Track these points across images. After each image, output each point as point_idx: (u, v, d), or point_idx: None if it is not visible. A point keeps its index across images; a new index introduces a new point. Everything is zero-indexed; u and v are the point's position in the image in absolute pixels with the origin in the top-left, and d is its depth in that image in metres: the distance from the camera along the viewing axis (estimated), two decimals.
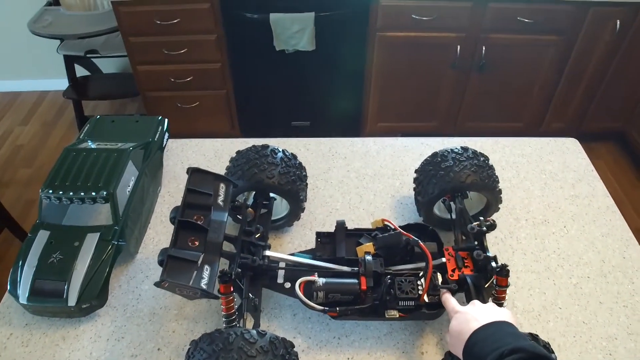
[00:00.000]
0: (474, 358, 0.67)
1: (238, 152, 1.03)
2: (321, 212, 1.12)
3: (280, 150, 1.02)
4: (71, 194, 0.98)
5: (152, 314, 0.96)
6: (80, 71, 2.84)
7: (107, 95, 2.84)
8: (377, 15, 2.19)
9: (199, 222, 0.83)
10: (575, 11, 2.18)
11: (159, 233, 1.10)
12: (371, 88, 2.44)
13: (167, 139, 1.24)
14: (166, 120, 1.23)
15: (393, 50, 2.31)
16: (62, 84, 3.01)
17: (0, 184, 2.65)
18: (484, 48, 2.26)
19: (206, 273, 0.78)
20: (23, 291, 0.92)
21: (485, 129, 2.56)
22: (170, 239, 0.82)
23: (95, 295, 0.93)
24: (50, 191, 0.99)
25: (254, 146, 1.03)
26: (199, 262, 0.79)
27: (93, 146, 1.10)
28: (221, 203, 0.88)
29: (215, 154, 1.27)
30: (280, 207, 1.08)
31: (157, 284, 0.76)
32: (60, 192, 0.99)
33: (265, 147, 1.02)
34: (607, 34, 2.26)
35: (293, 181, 1.00)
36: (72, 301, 0.91)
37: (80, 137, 1.17)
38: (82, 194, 0.98)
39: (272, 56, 2.30)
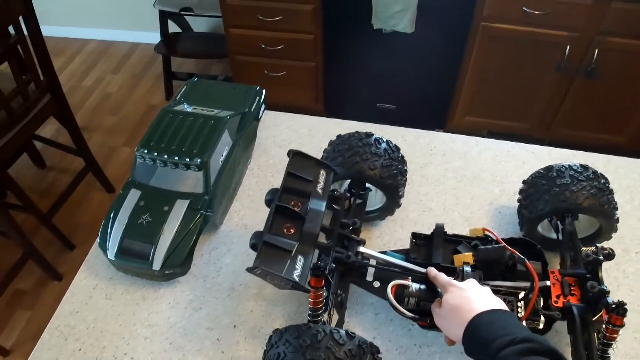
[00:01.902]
0: (478, 339, 0.64)
1: (339, 137, 0.99)
2: (414, 210, 1.07)
3: (385, 140, 0.97)
4: (165, 157, 0.97)
5: (231, 289, 0.95)
6: (172, 27, 2.87)
7: (195, 53, 2.85)
8: (485, 4, 2.07)
9: (296, 209, 0.79)
10: None
11: (244, 207, 1.08)
12: (465, 80, 2.32)
13: (263, 111, 1.21)
14: (264, 91, 1.19)
15: (496, 42, 2.17)
16: (153, 37, 3.07)
17: (88, 128, 2.74)
18: (596, 52, 2.09)
19: (299, 264, 0.75)
20: (112, 247, 0.93)
21: (579, 138, 2.40)
22: (265, 224, 0.79)
23: (179, 263, 0.92)
24: (146, 151, 0.98)
25: (357, 132, 0.98)
26: (293, 251, 0.75)
27: (190, 110, 1.09)
28: (320, 191, 0.84)
29: (310, 132, 1.23)
30: (374, 199, 1.03)
31: (249, 270, 0.73)
32: (155, 154, 0.98)
33: (369, 135, 0.97)
34: None
35: (394, 175, 0.94)
36: (156, 265, 0.91)
37: (177, 98, 1.16)
38: (177, 158, 0.97)
39: (368, 34, 2.23)
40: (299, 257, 0.75)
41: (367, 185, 0.96)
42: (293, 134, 1.23)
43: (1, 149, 1.84)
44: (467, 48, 2.23)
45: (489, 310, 0.67)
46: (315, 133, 1.23)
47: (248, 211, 1.07)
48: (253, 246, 0.78)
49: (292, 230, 0.78)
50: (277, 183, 1.12)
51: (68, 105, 2.10)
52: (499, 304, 0.69)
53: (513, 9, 2.06)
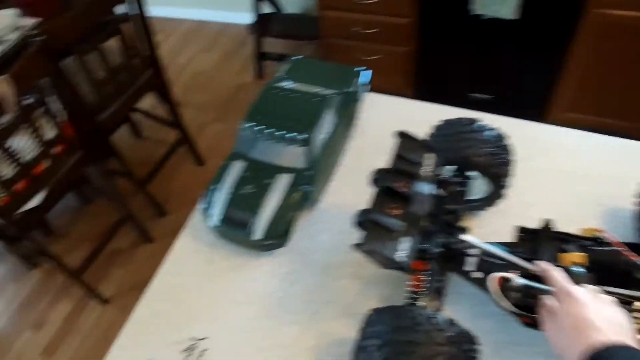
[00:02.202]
0: None
1: (446, 121, 0.96)
2: (515, 203, 1.03)
3: (492, 128, 0.94)
4: (270, 130, 0.99)
5: (327, 265, 0.96)
6: (264, 9, 2.91)
7: (287, 34, 2.88)
8: None
9: (404, 190, 0.79)
10: None
11: (342, 185, 1.09)
12: (570, 73, 2.19)
13: (366, 92, 1.21)
14: (370, 72, 1.19)
15: (611, 31, 2.01)
16: (243, 18, 3.13)
17: (180, 104, 2.85)
18: None
19: (404, 245, 0.74)
20: (216, 215, 0.96)
21: None
22: (372, 202, 0.79)
23: (279, 235, 0.94)
24: (251, 124, 1.01)
25: (464, 118, 0.96)
26: (399, 232, 0.75)
27: (293, 86, 1.10)
28: (426, 174, 0.83)
29: (410, 115, 1.21)
30: (475, 188, 1.00)
31: (355, 246, 0.73)
32: (260, 128, 1.00)
33: (477, 121, 0.94)
34: None
35: (501, 164, 0.91)
36: (257, 235, 0.93)
37: (280, 75, 1.18)
38: (282, 133, 0.98)
39: (466, 20, 2.16)
40: (404, 238, 0.75)
41: (470, 172, 0.94)
42: (393, 116, 1.21)
43: (108, 118, 1.96)
44: (574, 37, 2.10)
45: (619, 347, 0.59)
46: (415, 117, 1.20)
47: (345, 190, 1.08)
48: (358, 224, 0.78)
49: (397, 211, 0.77)
50: (375, 164, 1.12)
51: (167, 79, 2.20)
52: (627, 331, 0.62)
53: None
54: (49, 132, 1.69)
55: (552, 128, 1.17)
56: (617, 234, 0.96)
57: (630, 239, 0.93)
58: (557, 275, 0.70)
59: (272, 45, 3.10)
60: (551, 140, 1.14)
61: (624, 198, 1.01)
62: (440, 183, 0.87)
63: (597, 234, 0.81)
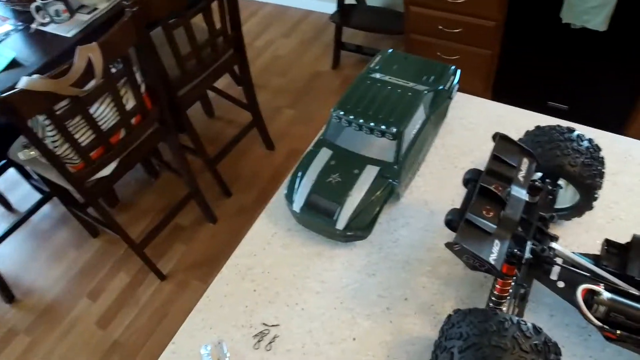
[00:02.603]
0: None
1: (539, 128, 0.93)
2: (602, 217, 0.98)
3: (587, 138, 0.90)
4: (361, 121, 0.98)
5: (405, 261, 0.95)
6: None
7: (369, 27, 2.86)
8: None
9: (499, 193, 0.76)
10: None
11: (426, 183, 1.07)
12: None
13: (456, 92, 1.18)
14: (459, 71, 1.16)
15: None
16: (325, 6, 3.13)
17: (256, 86, 2.89)
18: None
19: (496, 248, 0.72)
20: (298, 200, 0.96)
21: None
22: (465, 202, 0.77)
23: (362, 226, 0.93)
24: (342, 113, 1.00)
25: (558, 126, 0.92)
26: (494, 235, 0.73)
27: (387, 79, 1.08)
28: (522, 179, 0.80)
29: (499, 119, 1.18)
30: (563, 197, 0.96)
31: (448, 245, 0.72)
32: (352, 117, 0.99)
33: (572, 130, 0.91)
34: None
35: (594, 175, 0.87)
36: (340, 225, 0.92)
37: (371, 66, 1.16)
38: (373, 124, 0.97)
39: (554, 27, 2.08)
40: (497, 241, 0.73)
41: (560, 182, 0.91)
42: (482, 118, 1.18)
43: (187, 94, 2.00)
44: None
45: None
46: (504, 121, 1.17)
47: (429, 187, 1.06)
48: (448, 222, 0.76)
49: (491, 213, 0.75)
50: (461, 165, 1.09)
51: (247, 60, 2.22)
52: None
53: None
54: (129, 102, 1.74)
55: None
56: None
57: None
58: None
59: (352, 36, 3.09)
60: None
61: None
62: (535, 189, 0.84)
63: None
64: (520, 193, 0.79)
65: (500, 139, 0.83)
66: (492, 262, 0.70)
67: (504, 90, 2.46)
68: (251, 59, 3.09)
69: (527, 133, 0.95)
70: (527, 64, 2.31)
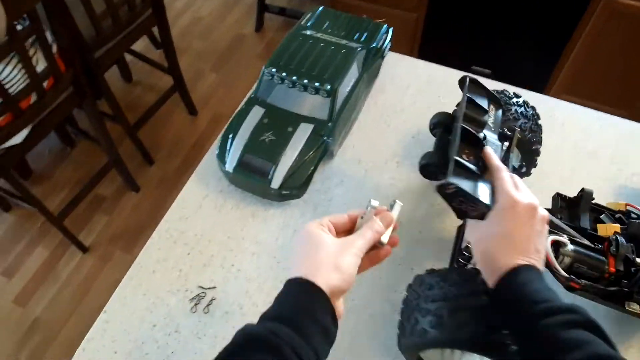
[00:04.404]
0: (513, 294, 0.57)
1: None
2: (533, 175, 1.02)
3: (531, 105, 0.93)
4: (295, 78, 0.96)
5: None
6: None
7: None
8: None
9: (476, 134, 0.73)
10: None
11: (359, 140, 1.06)
12: (572, 55, 2.19)
13: (389, 50, 1.17)
14: (391, 29, 1.15)
15: (617, 20, 2.03)
16: None
17: (176, 49, 2.76)
18: None
19: (486, 190, 0.68)
20: (231, 160, 0.93)
21: None
22: (442, 146, 0.75)
23: (297, 185, 0.92)
24: (275, 70, 0.97)
25: (506, 90, 0.96)
26: (480, 176, 0.69)
27: (319, 36, 1.06)
28: (492, 125, 0.79)
29: (428, 78, 1.19)
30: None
31: (440, 187, 0.66)
32: (284, 74, 0.96)
33: (518, 96, 0.94)
34: None
35: (538, 141, 0.91)
36: (275, 184, 0.91)
37: (302, 23, 1.13)
38: (307, 81, 0.95)
39: None
40: (484, 183, 0.69)
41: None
42: (413, 77, 1.19)
43: (103, 56, 1.88)
44: (582, 21, 2.09)
45: (534, 267, 0.59)
46: (434, 80, 1.19)
47: (362, 145, 1.06)
48: (424, 167, 0.74)
49: (471, 157, 0.72)
50: (393, 124, 1.10)
51: (167, 21, 2.12)
52: (541, 255, 0.62)
53: None
54: (40, 64, 1.61)
55: (570, 106, 1.16)
56: None
57: None
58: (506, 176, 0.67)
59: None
60: (564, 116, 1.13)
61: (627, 177, 1.02)
62: (502, 136, 0.83)
63: (629, 208, 0.82)
64: (494, 138, 0.78)
65: (470, 82, 0.80)
66: (488, 203, 0.66)
67: (429, 54, 2.49)
68: (171, 21, 2.92)
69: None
70: (451, 28, 2.36)
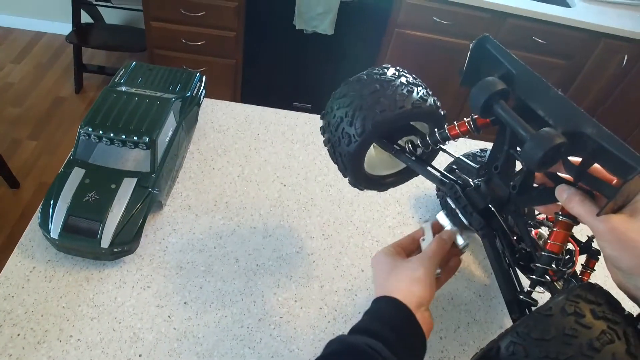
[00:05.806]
0: None
1: (348, 82, 0.86)
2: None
3: (403, 70, 0.80)
4: (112, 134, 0.96)
5: (178, 267, 0.96)
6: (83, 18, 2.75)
7: (111, 45, 2.74)
8: (400, 11, 2.21)
9: None
10: (588, 39, 2.25)
11: (187, 188, 1.09)
12: None
13: (204, 97, 1.22)
14: (204, 77, 1.21)
15: (408, 47, 2.33)
16: (58, 27, 2.92)
17: None
18: None
19: None
20: (55, 226, 0.90)
21: None
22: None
23: (128, 241, 0.92)
24: (90, 129, 0.97)
25: (372, 68, 0.82)
26: None
27: (133, 90, 1.08)
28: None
29: (246, 119, 1.26)
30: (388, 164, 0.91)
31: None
32: (101, 132, 0.96)
33: (387, 67, 0.80)
34: (613, 66, 2.34)
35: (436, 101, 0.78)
36: (105, 243, 0.89)
37: (116, 80, 1.15)
38: (124, 136, 0.96)
39: (289, 34, 2.29)
40: None
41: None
42: (231, 120, 1.25)
43: None
44: (382, 50, 2.36)
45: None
46: (252, 120, 1.27)
47: (191, 192, 1.08)
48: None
49: None
50: (217, 166, 1.14)
51: None
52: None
53: (424, 18, 2.23)
54: None
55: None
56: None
57: None
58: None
59: (93, 57, 2.94)
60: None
61: None
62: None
63: None
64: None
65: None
66: None
67: (252, 96, 2.61)
68: None
69: (337, 94, 0.87)
70: (270, 69, 2.50)
